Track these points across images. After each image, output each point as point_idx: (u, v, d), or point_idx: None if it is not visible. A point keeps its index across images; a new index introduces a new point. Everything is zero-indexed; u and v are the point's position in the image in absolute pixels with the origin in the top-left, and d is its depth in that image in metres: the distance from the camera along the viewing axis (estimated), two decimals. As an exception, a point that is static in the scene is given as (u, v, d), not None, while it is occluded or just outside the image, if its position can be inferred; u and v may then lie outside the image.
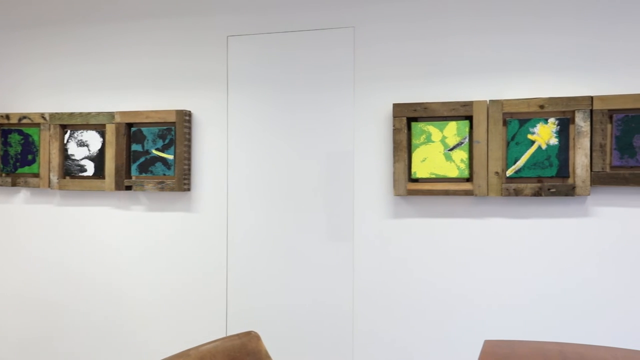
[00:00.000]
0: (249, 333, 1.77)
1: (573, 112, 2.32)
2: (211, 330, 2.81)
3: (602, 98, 2.28)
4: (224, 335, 2.79)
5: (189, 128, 2.83)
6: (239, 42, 2.79)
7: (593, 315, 2.35)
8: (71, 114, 2.93)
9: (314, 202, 2.68)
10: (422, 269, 2.55)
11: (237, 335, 1.75)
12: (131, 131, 2.88)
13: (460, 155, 2.45)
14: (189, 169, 2.83)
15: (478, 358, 1.62)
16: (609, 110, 2.28)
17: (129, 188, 2.86)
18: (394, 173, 2.51)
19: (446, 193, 2.44)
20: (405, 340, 2.57)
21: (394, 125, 2.51)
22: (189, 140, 2.83)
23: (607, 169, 2.29)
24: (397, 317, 2.58)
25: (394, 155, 2.51)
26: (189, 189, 2.83)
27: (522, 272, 2.43)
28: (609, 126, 2.30)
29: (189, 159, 2.82)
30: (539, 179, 2.38)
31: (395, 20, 2.58)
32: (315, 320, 2.68)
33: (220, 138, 2.81)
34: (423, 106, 2.48)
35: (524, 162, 2.38)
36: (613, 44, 2.33)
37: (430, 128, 2.48)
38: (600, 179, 2.28)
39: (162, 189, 2.79)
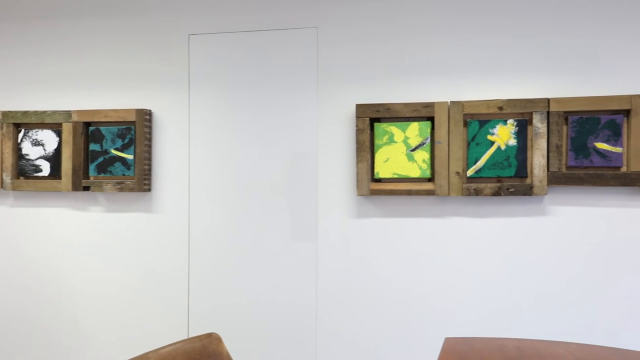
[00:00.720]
0: (210, 335, 1.74)
1: (531, 113, 2.38)
2: (173, 331, 2.76)
3: (558, 100, 2.34)
4: (186, 337, 2.74)
5: (150, 127, 2.77)
6: (200, 41, 2.75)
7: (550, 311, 2.41)
8: (25, 112, 2.83)
9: (277, 202, 2.66)
10: (385, 268, 2.57)
11: (198, 337, 1.72)
12: (89, 130, 2.80)
13: (422, 155, 2.47)
14: (150, 169, 2.77)
15: (438, 356, 1.63)
16: (565, 112, 2.35)
17: (86, 188, 2.79)
18: (357, 173, 2.52)
19: (408, 193, 2.47)
20: (368, 338, 2.58)
21: (357, 126, 2.52)
22: (150, 140, 2.77)
23: (563, 169, 2.36)
24: (360, 315, 2.59)
25: (357, 156, 2.51)
26: (149, 190, 2.77)
27: (482, 270, 2.47)
28: (564, 127, 2.37)
29: (149, 159, 2.76)
30: (499, 179, 2.43)
31: (358, 21, 2.59)
32: (279, 320, 2.66)
33: (181, 138, 2.77)
34: (386, 107, 2.49)
35: (484, 162, 2.42)
36: (569, 47, 2.39)
37: (393, 129, 2.50)
38: (557, 179, 2.35)
39: (121, 190, 2.73)
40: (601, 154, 2.32)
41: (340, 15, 2.61)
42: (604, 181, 2.30)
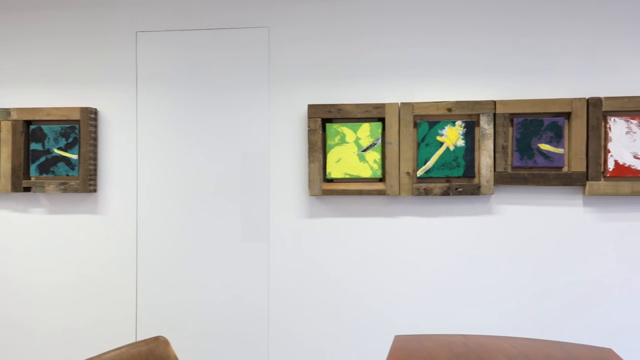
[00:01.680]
0: (156, 338, 1.70)
1: (478, 115, 2.44)
2: (120, 335, 2.67)
3: (504, 102, 2.41)
4: (134, 340, 2.66)
5: (95, 127, 2.68)
6: (149, 39, 2.69)
7: (497, 306, 2.47)
8: (-39, 109, 2.69)
9: (228, 202, 2.63)
10: (337, 268, 2.57)
11: (144, 341, 1.68)
12: (30, 129, 2.69)
13: (374, 156, 2.50)
14: (95, 169, 2.68)
15: (388, 353, 1.64)
16: (510, 114, 2.42)
17: (27, 189, 2.67)
18: (309, 173, 2.51)
19: (360, 193, 2.48)
20: (321, 338, 2.58)
21: (309, 126, 2.52)
22: (95, 139, 2.68)
23: (509, 170, 2.43)
24: (312, 315, 2.58)
25: (309, 156, 2.51)
26: (95, 190, 2.68)
27: (431, 268, 2.51)
28: (510, 129, 2.44)
29: (95, 159, 2.67)
30: (448, 179, 2.48)
31: (310, 21, 2.59)
32: (230, 322, 2.62)
33: (129, 137, 2.69)
34: (337, 107, 2.50)
35: (433, 162, 2.46)
36: (516, 50, 2.47)
37: (345, 129, 2.51)
38: (503, 179, 2.41)
39: (65, 190, 2.63)
40: (544, 154, 2.40)
41: (292, 15, 2.60)
42: (547, 181, 2.38)
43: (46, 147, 2.66)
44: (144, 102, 2.68)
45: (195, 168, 2.65)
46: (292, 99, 2.60)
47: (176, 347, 2.62)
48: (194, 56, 2.66)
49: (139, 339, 2.65)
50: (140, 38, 2.69)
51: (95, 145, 2.67)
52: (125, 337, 2.67)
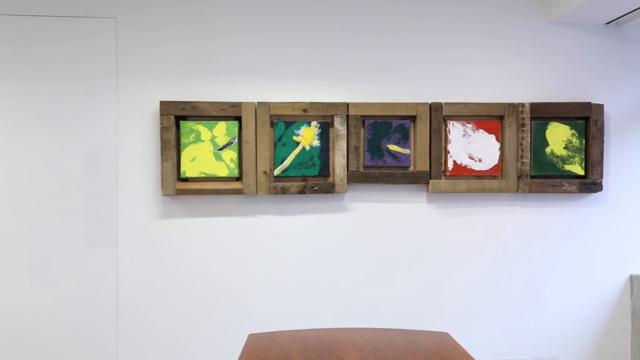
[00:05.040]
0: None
1: (332, 116, 2.51)
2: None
3: (356, 105, 2.51)
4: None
5: None
6: (-24, 21, 2.39)
7: (351, 299, 2.56)
8: None
9: (71, 204, 2.42)
10: (192, 269, 2.49)
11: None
12: None
13: (230, 154, 2.46)
14: None
15: (241, 352, 1.62)
16: (362, 116, 2.53)
17: None
18: (162, 172, 2.41)
19: (216, 192, 2.43)
20: (177, 340, 2.48)
21: (161, 124, 2.41)
22: None
23: (361, 169, 2.53)
24: (167, 318, 2.48)
25: (162, 154, 2.41)
26: None
27: (289, 266, 2.54)
28: (362, 130, 2.54)
29: None
30: (304, 178, 2.52)
31: (161, 14, 2.48)
32: (75, 333, 2.42)
33: (-49, 132, 2.37)
34: (192, 105, 2.43)
35: (290, 162, 2.49)
36: (367, 57, 2.58)
37: (200, 127, 2.44)
38: (356, 178, 2.51)
39: None
40: (393, 155, 2.54)
41: (141, 7, 2.48)
42: (395, 179, 2.52)
43: None
44: (-30, 93, 2.38)
45: (35, 166, 2.41)
46: (143, 95, 2.47)
47: (15, 356, 2.36)
48: (33, 45, 2.42)
49: (-36, 360, 2.35)
50: (-35, 21, 2.39)
51: None
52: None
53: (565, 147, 2.57)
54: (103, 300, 2.44)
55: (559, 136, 2.57)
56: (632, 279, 2.65)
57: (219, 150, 2.45)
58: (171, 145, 2.41)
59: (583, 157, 2.58)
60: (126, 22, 2.47)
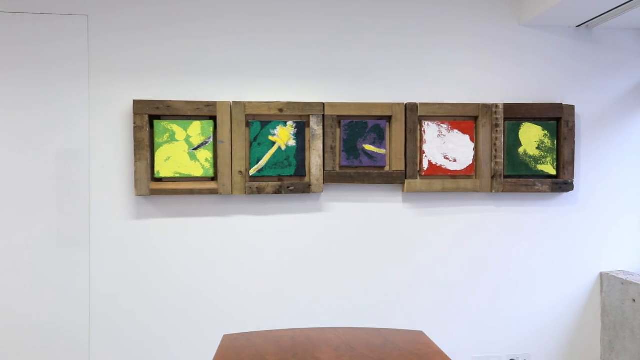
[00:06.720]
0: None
1: (308, 116, 2.51)
2: None
3: (332, 105, 2.51)
4: None
5: None
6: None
7: (328, 298, 2.56)
8: None
9: (40, 205, 2.37)
10: (167, 269, 2.46)
11: None
12: None
13: (205, 154, 2.44)
14: None
15: (215, 353, 1.60)
16: (338, 116, 2.53)
17: None
18: (136, 172, 2.37)
19: (191, 192, 2.41)
20: (151, 342, 2.45)
21: (134, 123, 2.38)
22: None
23: (337, 169, 2.53)
24: (140, 321, 2.44)
25: (135, 154, 2.37)
26: None
27: (265, 266, 2.53)
28: (338, 130, 2.55)
29: None
30: (280, 178, 2.51)
31: (133, 13, 2.45)
32: (45, 338, 2.37)
33: None
34: (166, 104, 2.40)
35: (265, 162, 2.48)
36: (343, 58, 2.58)
37: (174, 127, 2.42)
38: (332, 178, 2.51)
39: None
40: (369, 154, 2.55)
41: (114, 5, 2.44)
42: (371, 179, 2.53)
43: None
44: (-64, 90, 2.31)
45: (3, 166, 2.35)
46: (116, 94, 2.44)
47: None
48: (3, 42, 2.36)
49: None
50: None
51: None
52: None
53: (538, 148, 2.62)
54: (75, 302, 2.40)
55: (531, 136, 2.61)
56: (602, 276, 2.71)
57: (193, 150, 2.43)
58: (145, 145, 2.38)
59: (555, 157, 2.63)
60: (98, 20, 2.43)
